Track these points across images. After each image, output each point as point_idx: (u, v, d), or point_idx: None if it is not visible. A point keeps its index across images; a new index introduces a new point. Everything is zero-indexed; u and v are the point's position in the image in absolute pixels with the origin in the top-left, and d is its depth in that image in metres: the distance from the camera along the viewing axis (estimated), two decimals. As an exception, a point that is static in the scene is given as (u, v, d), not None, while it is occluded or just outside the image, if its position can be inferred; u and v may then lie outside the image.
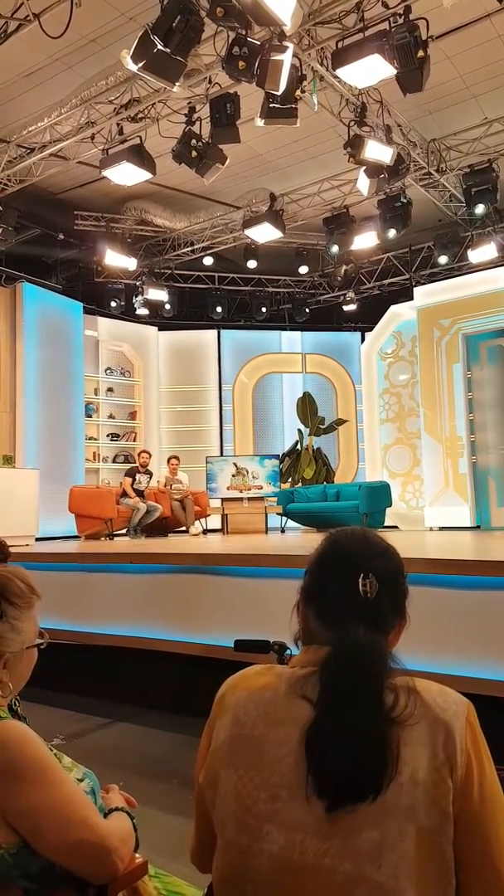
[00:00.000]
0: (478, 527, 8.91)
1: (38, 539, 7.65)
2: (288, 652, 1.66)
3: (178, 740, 3.84)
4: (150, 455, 9.54)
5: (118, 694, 4.70)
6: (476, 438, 9.12)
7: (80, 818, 1.15)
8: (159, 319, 11.88)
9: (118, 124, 7.45)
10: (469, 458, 9.05)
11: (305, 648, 1.09)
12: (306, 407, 10.96)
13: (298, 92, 6.18)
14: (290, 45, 5.67)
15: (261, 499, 9.32)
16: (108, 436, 11.33)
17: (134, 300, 11.46)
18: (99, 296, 11.33)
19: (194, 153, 6.93)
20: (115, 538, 8.63)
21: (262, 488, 9.35)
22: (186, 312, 12.30)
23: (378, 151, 7.02)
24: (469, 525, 8.88)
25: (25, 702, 1.47)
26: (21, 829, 1.13)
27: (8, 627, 1.29)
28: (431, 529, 9.11)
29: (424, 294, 9.69)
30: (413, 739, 0.93)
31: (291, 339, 12.22)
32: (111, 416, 11.40)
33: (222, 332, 11.93)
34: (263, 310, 12.08)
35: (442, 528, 9.01)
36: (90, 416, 10.89)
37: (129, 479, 8.99)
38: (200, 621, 4.33)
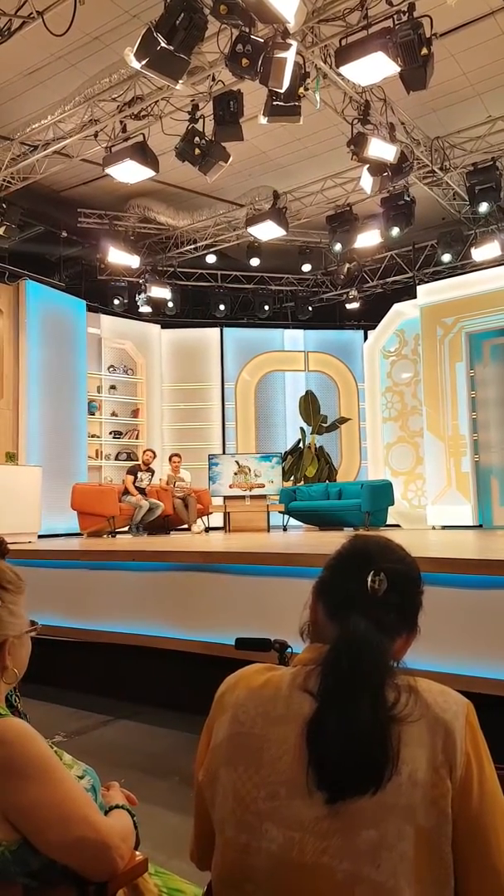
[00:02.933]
0: (480, 525, 8.91)
1: (40, 536, 7.67)
2: (289, 650, 1.66)
3: (180, 738, 3.84)
4: (155, 455, 9.54)
5: (119, 691, 4.70)
6: (479, 437, 9.11)
7: (80, 815, 1.15)
8: (162, 317, 11.88)
9: (121, 122, 7.45)
10: (472, 456, 9.04)
11: (309, 647, 1.10)
12: (309, 405, 10.95)
13: (302, 90, 6.17)
14: (294, 43, 5.66)
15: (263, 497, 9.31)
16: (110, 433, 11.34)
17: (137, 298, 11.46)
18: (102, 294, 11.33)
19: (197, 151, 6.92)
20: (118, 536, 8.65)
21: (264, 486, 9.35)
22: (189, 310, 12.30)
23: (381, 149, 7.01)
24: (471, 524, 8.88)
25: (27, 698, 1.47)
26: (21, 827, 1.14)
27: (7, 612, 1.31)
28: (434, 528, 9.10)
29: (428, 292, 9.68)
30: (413, 739, 0.93)
31: (294, 337, 12.21)
32: (114, 414, 11.41)
33: (225, 329, 11.92)
34: (266, 308, 12.07)
35: (444, 527, 9.00)
36: (93, 414, 10.89)
37: (131, 477, 9.00)
38: (202, 619, 4.34)
